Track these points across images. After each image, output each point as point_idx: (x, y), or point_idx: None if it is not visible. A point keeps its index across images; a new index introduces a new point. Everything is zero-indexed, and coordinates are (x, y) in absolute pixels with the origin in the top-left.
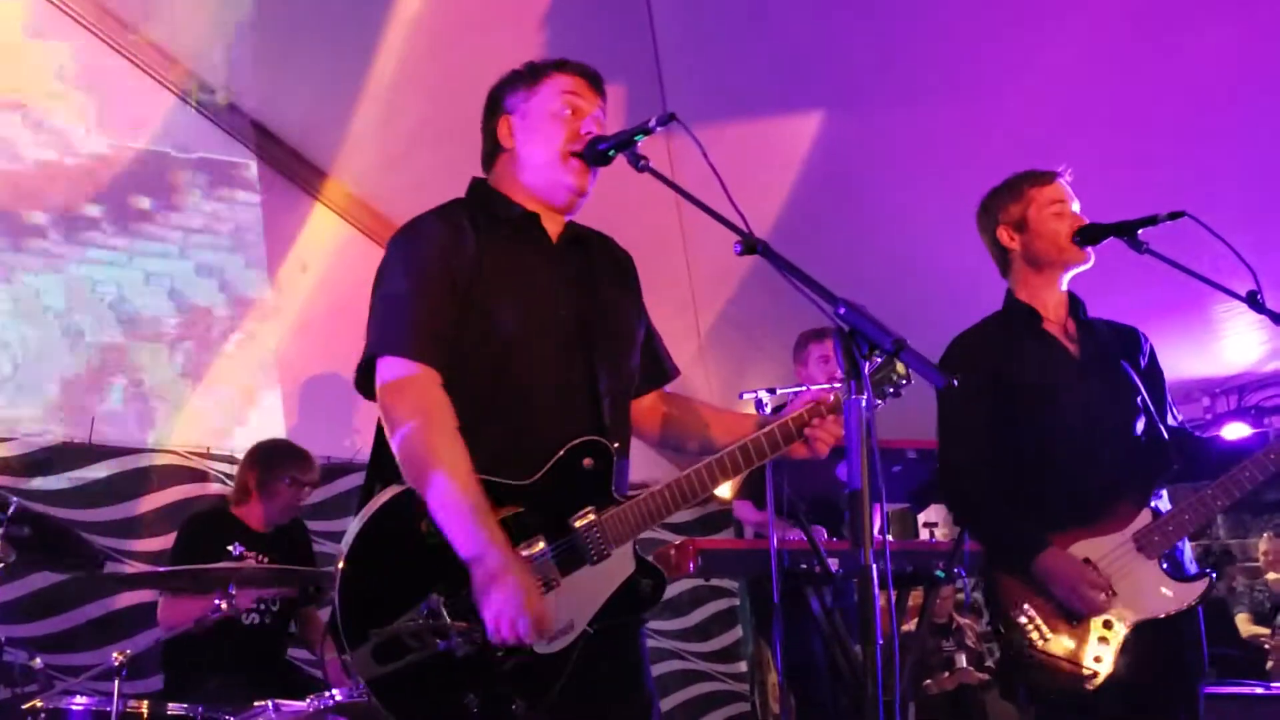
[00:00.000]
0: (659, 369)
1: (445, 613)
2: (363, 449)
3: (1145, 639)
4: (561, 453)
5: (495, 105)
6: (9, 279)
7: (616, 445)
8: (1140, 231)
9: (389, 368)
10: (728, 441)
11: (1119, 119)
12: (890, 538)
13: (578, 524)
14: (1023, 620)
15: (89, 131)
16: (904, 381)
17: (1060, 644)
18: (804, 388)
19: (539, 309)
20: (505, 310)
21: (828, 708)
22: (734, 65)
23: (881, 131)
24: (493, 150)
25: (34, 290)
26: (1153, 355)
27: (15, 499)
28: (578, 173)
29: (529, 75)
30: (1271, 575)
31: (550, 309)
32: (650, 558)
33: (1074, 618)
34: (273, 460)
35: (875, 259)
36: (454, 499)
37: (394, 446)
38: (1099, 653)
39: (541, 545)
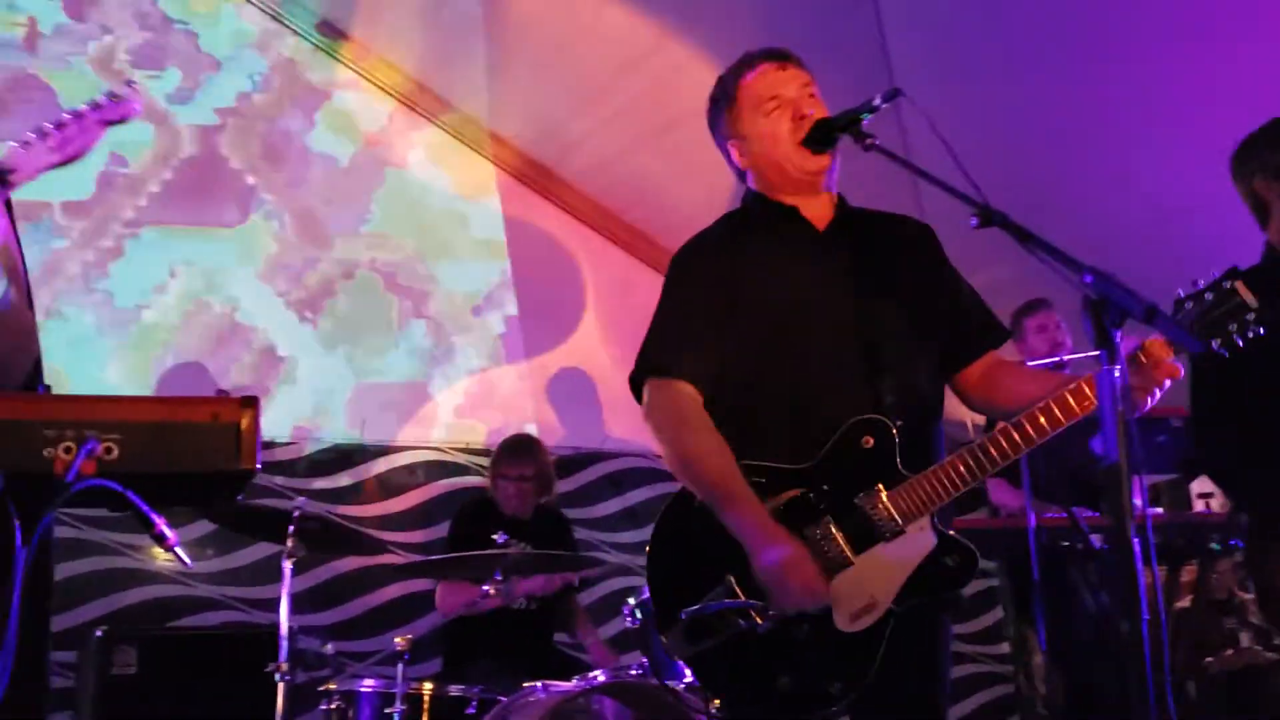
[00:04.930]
0: (969, 339)
1: (740, 592)
2: (608, 440)
3: None
4: (839, 433)
5: (728, 138)
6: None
7: (900, 423)
8: None
9: (649, 389)
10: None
11: None
12: (1160, 510)
13: (863, 501)
14: None
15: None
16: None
17: None
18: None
19: (805, 297)
20: (770, 305)
21: (1097, 688)
22: (960, 34)
23: (1119, 86)
24: (741, 175)
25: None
26: None
27: (302, 499)
28: (809, 156)
29: (723, 94)
30: None
31: (818, 295)
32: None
33: None
34: (495, 458)
35: (1120, 221)
36: (713, 493)
37: (664, 457)
38: None
39: (829, 525)
